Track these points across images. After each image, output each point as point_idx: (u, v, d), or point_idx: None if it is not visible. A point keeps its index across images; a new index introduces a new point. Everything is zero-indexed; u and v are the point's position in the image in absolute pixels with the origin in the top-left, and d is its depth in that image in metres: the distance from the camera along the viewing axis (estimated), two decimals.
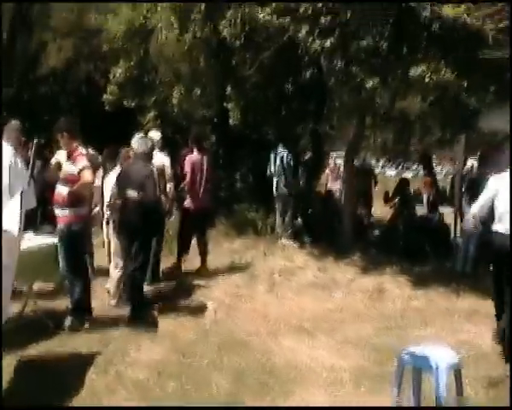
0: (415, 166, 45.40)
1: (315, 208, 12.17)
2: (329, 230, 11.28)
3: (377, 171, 21.68)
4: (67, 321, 6.46)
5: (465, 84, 7.76)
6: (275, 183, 11.21)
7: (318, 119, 12.23)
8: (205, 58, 10.79)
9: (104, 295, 7.57)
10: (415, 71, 7.77)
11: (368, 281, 8.92)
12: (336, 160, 15.98)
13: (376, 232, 12.22)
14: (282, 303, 7.88)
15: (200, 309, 7.37)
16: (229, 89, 10.72)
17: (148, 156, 7.11)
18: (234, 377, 5.46)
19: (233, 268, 9.48)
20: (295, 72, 10.82)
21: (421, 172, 16.84)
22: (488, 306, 6.62)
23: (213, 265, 9.52)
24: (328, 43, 8.16)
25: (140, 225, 6.73)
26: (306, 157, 12.56)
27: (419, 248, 10.51)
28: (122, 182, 6.97)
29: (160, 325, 6.75)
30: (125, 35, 11.76)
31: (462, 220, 10.50)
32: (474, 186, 8.63)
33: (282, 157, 11.05)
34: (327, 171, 15.22)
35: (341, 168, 15.02)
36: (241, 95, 10.65)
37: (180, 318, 6.98)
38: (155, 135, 8.73)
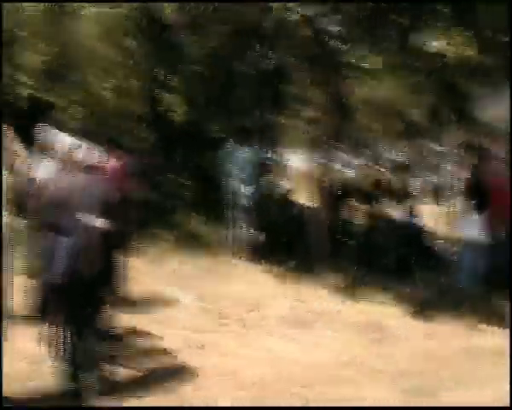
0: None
1: (275, 217, 10.21)
2: (294, 242, 9.41)
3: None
4: None
5: None
6: (227, 187, 9.21)
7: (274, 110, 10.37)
8: (136, 40, 8.82)
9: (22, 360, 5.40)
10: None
11: (358, 312, 7.27)
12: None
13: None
14: (263, 356, 5.91)
15: (158, 379, 5.17)
16: (169, 79, 8.75)
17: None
18: None
19: (187, 303, 7.43)
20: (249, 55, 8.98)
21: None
22: None
23: (162, 298, 7.45)
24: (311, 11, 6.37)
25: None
26: (262, 156, 10.58)
27: (403, 261, 8.95)
28: (72, 203, 4.58)
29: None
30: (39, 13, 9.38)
31: None
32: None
33: (237, 156, 9.09)
34: None
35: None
36: (186, 85, 8.67)
37: (132, 391, 4.83)
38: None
